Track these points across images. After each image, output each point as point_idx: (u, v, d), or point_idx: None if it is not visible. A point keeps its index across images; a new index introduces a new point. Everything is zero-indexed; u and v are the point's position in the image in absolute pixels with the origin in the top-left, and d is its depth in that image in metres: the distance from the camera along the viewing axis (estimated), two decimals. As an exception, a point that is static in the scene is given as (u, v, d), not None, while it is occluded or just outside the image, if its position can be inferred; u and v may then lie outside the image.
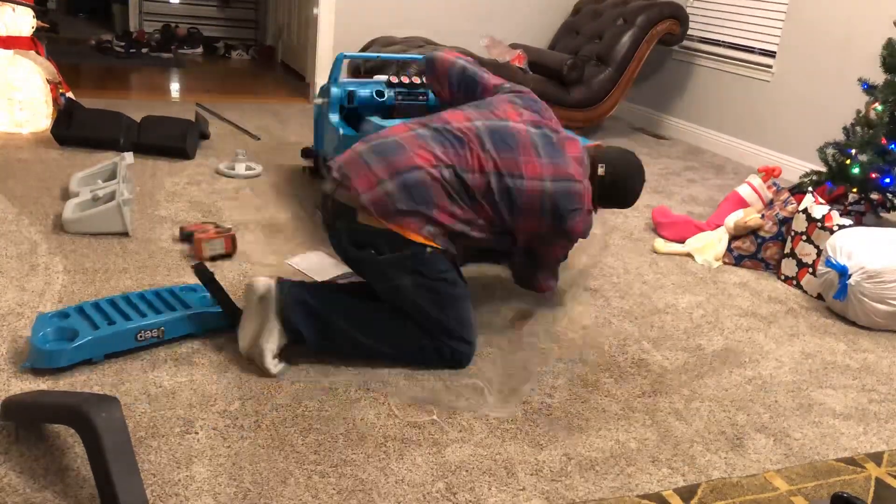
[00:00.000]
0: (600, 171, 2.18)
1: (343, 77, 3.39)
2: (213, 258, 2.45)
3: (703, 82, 4.96)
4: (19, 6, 3.73)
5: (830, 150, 3.33)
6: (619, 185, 2.22)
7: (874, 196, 3.23)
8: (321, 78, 5.10)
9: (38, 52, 3.85)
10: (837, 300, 2.54)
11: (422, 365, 1.97)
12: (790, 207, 2.90)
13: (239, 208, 2.98)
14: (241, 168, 3.40)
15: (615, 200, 2.26)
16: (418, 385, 1.90)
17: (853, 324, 2.53)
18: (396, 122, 2.63)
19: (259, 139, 4.05)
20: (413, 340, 1.96)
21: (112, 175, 2.94)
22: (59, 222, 2.62)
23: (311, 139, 3.44)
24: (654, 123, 5.32)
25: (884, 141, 3.12)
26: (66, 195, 2.87)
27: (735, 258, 2.95)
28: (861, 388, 2.13)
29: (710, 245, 2.95)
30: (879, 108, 3.15)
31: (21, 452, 1.52)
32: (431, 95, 3.18)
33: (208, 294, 2.05)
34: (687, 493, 1.60)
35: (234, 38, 7.39)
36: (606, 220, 3.20)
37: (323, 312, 1.91)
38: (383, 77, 3.25)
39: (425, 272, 1.92)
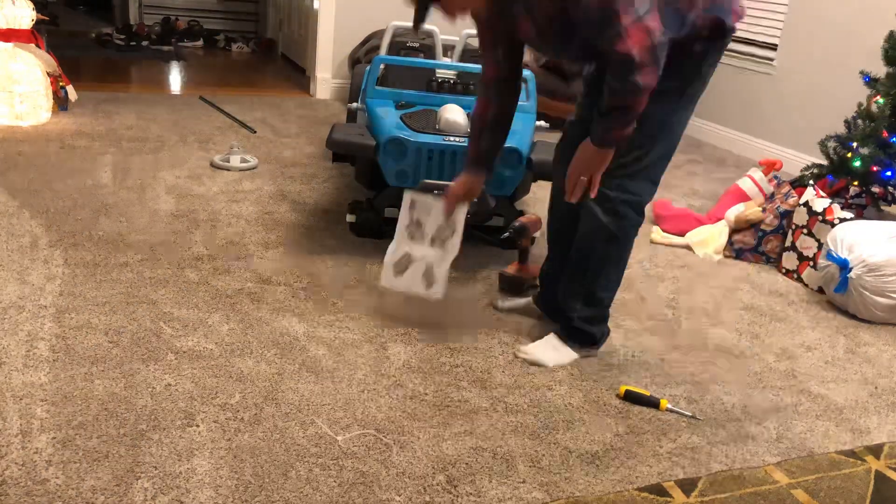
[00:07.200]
0: None
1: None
2: None
3: (705, 75, 4.94)
4: (19, -1, 3.73)
5: (832, 144, 3.33)
6: None
7: (875, 189, 3.23)
8: (322, 71, 5.09)
9: (38, 45, 3.85)
10: (838, 293, 2.54)
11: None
12: (791, 201, 2.90)
13: (237, 202, 2.98)
14: (235, 161, 3.40)
15: None
16: (419, 380, 1.90)
17: (854, 317, 2.53)
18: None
19: (255, 132, 4.04)
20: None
21: None
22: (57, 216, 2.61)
23: (311, 134, 3.45)
24: (655, 116, 5.31)
25: (885, 134, 3.11)
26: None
27: (736, 251, 2.95)
28: (861, 381, 2.13)
29: (710, 238, 2.95)
30: (881, 101, 3.15)
31: (23, 445, 1.52)
32: None
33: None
34: (688, 485, 1.61)
35: (234, 30, 7.37)
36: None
37: None
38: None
39: None
